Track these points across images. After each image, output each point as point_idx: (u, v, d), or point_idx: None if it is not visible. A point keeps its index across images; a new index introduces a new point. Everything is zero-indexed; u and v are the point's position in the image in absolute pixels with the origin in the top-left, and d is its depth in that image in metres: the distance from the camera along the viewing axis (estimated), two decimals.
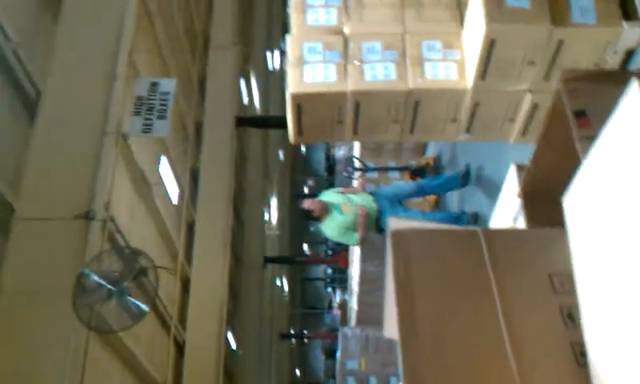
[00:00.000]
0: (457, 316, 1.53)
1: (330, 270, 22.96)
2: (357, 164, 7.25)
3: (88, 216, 5.86)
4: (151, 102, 6.38)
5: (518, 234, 1.85)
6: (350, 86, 2.94)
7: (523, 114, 3.09)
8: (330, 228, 5.72)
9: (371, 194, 5.60)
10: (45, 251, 5.63)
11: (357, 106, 2.97)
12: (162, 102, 6.40)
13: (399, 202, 5.63)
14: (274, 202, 19.40)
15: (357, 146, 7.83)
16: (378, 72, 2.93)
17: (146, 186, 8.69)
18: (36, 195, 5.85)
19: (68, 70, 6.53)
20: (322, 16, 3.09)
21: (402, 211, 5.55)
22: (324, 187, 26.20)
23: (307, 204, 5.68)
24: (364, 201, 5.57)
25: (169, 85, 6.62)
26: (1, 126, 5.73)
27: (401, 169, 7.45)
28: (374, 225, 5.45)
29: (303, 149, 26.55)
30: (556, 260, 1.56)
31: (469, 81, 2.99)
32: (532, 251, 1.62)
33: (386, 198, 5.54)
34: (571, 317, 1.50)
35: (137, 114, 6.42)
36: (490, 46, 2.81)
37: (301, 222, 26.75)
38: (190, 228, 11.65)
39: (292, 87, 2.96)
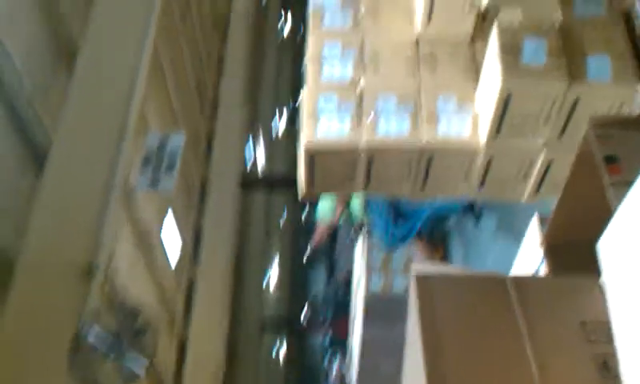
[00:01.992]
0: (487, 364, 1.44)
1: (328, 339, 22.60)
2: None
3: (89, 270, 5.78)
4: (160, 156, 6.40)
5: (548, 282, 1.78)
6: (364, 140, 2.93)
7: (537, 172, 3.07)
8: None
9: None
10: (40, 304, 5.53)
11: (369, 160, 2.96)
12: (171, 157, 6.41)
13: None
14: (275, 263, 19.24)
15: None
16: (391, 126, 2.93)
17: (147, 243, 8.63)
18: (37, 247, 5.80)
19: (78, 123, 6.54)
20: (338, 69, 3.11)
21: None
22: (325, 254, 26.08)
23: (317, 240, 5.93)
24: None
25: (178, 139, 6.65)
26: (9, 177, 5.74)
27: None
28: None
29: (304, 215, 26.51)
30: (588, 308, 1.50)
31: (482, 137, 2.98)
32: (562, 299, 1.55)
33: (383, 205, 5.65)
34: (607, 366, 1.42)
35: (145, 168, 6.43)
36: (505, 101, 2.80)
37: (301, 288, 26.48)
38: (190, 289, 11.50)
39: (305, 139, 2.95)
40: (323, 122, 2.91)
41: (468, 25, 3.06)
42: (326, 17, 3.22)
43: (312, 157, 2.91)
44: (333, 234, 21.30)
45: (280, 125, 20.69)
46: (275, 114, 19.61)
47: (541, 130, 2.86)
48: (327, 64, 3.06)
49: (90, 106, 6.59)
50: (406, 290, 7.51)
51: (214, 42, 13.58)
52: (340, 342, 18.63)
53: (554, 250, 1.87)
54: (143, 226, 8.32)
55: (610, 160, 1.58)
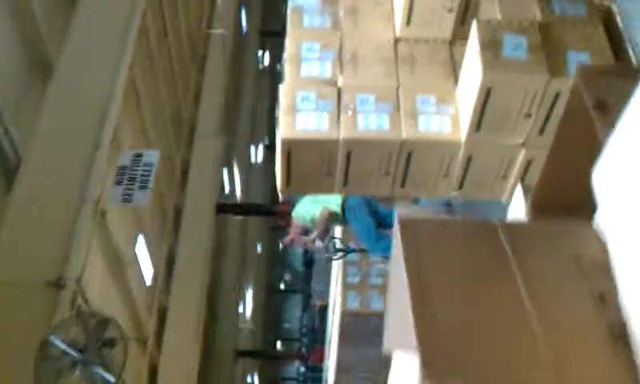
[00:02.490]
0: (478, 304, 1.40)
1: (303, 369, 22.31)
2: (338, 244, 7.19)
3: (58, 284, 5.63)
4: (133, 172, 6.32)
5: (539, 225, 1.73)
6: (343, 134, 2.90)
7: (516, 171, 3.06)
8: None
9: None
10: (9, 317, 5.38)
11: (348, 155, 2.92)
12: (145, 173, 6.34)
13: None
14: (249, 294, 19.02)
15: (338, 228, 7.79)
16: (371, 122, 2.90)
17: (119, 264, 8.48)
18: (6, 260, 5.68)
19: (51, 138, 6.49)
20: (316, 68, 3.10)
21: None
22: (301, 282, 25.94)
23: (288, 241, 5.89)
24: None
25: (152, 156, 6.58)
26: None
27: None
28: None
29: (281, 246, 26.43)
30: (580, 244, 1.47)
31: (462, 134, 2.97)
32: (554, 239, 1.52)
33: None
34: (603, 300, 1.38)
35: (118, 183, 6.35)
36: (485, 96, 2.80)
37: (275, 317, 26.22)
38: (162, 314, 11.29)
39: (283, 132, 2.91)
40: (301, 118, 2.88)
41: (447, 27, 3.08)
42: (304, 17, 3.22)
43: (289, 151, 2.87)
44: (309, 262, 21.25)
45: (257, 154, 20.68)
46: (252, 144, 19.62)
47: (521, 127, 2.85)
48: (305, 63, 3.05)
49: (63, 124, 6.54)
50: (384, 309, 7.41)
51: (192, 73, 13.61)
52: (315, 369, 18.42)
53: (540, 212, 1.83)
54: (115, 246, 8.17)
55: (601, 106, 1.56)
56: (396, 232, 1.46)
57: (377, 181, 3.02)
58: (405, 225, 1.46)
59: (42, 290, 5.53)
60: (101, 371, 4.88)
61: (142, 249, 9.37)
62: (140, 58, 9.30)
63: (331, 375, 8.10)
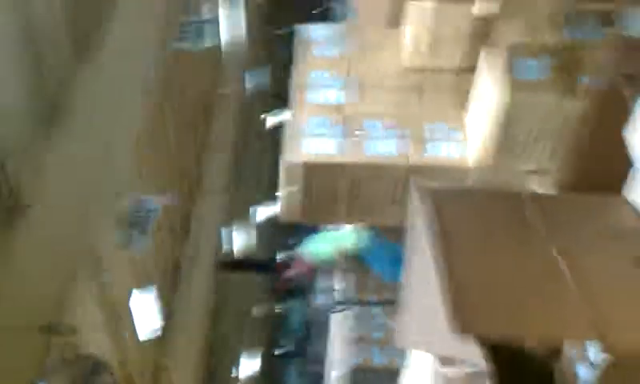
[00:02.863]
0: (507, 264, 1.29)
1: None
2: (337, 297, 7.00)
3: (51, 330, 5.50)
4: (135, 218, 6.27)
5: (567, 196, 1.62)
6: (350, 158, 2.83)
7: None
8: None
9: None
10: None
11: (354, 181, 2.84)
12: (146, 219, 6.28)
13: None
14: (246, 358, 18.55)
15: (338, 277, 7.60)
16: (379, 147, 2.84)
17: (115, 318, 8.28)
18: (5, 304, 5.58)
19: (52, 184, 6.46)
20: (324, 95, 3.05)
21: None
22: (300, 347, 25.31)
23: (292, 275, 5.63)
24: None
25: (155, 203, 6.53)
26: None
27: (385, 302, 7.17)
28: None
29: (280, 308, 25.97)
30: (612, 212, 1.37)
31: (472, 160, 2.90)
32: (585, 205, 1.42)
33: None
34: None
35: (119, 228, 6.29)
36: (498, 119, 2.74)
37: (275, 380, 25.48)
38: (157, 373, 10.97)
39: (289, 157, 2.83)
40: (307, 143, 2.81)
41: (455, 56, 3.05)
42: (313, 48, 3.20)
43: (292, 176, 2.78)
44: (307, 327, 20.75)
45: (259, 213, 20.57)
46: (255, 202, 19.54)
47: (532, 152, 2.79)
48: (313, 90, 3.01)
49: (65, 170, 6.51)
50: (387, 363, 7.13)
51: (199, 134, 13.70)
52: None
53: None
54: (111, 297, 8.00)
55: (630, 78, 1.49)
56: (415, 202, 1.36)
57: (382, 209, 2.93)
58: (424, 193, 1.37)
59: (33, 335, 5.39)
60: None
61: (138, 302, 9.19)
62: (150, 120, 9.35)
63: None
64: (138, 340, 9.48)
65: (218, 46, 13.89)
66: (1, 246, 5.79)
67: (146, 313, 9.53)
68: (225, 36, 14.34)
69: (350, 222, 2.98)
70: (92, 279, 6.36)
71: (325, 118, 2.80)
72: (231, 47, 15.60)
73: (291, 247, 25.69)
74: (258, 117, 20.87)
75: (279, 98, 21.28)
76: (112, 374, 4.81)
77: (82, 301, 6.03)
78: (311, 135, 2.75)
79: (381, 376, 6.69)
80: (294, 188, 2.70)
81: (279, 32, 21.77)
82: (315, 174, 2.71)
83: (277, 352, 25.66)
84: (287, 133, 2.75)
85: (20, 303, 5.59)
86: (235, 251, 16.38)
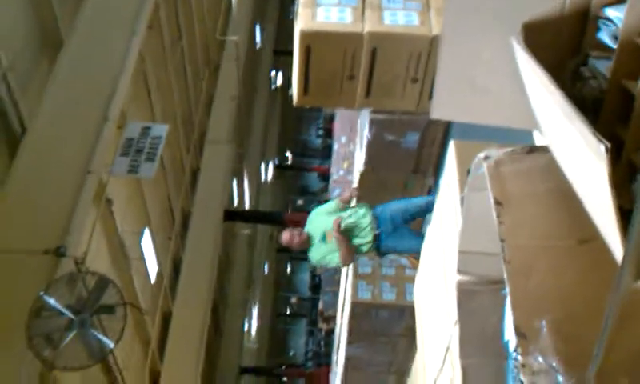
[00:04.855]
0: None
1: None
2: None
3: (58, 252, 5.38)
4: (141, 144, 6.09)
5: None
6: (368, 27, 2.63)
7: None
8: (314, 256, 5.36)
9: (372, 212, 5.08)
10: (8, 284, 5.16)
11: (373, 53, 2.66)
12: (152, 145, 6.09)
13: (406, 221, 5.11)
14: (254, 313, 18.61)
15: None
16: (399, 18, 2.65)
17: (124, 257, 8.21)
18: (7, 229, 5.49)
19: (58, 110, 6.35)
20: None
21: (410, 236, 5.00)
22: (307, 307, 25.37)
23: (286, 239, 5.31)
24: (359, 218, 5.12)
25: (161, 130, 6.36)
26: None
27: None
28: (371, 247, 5.03)
29: (289, 269, 26.07)
30: None
31: None
32: None
33: (390, 219, 5.07)
34: None
35: (124, 154, 6.12)
36: None
37: (280, 342, 25.69)
38: (166, 319, 10.97)
39: (302, 24, 2.64)
40: (321, 11, 2.63)
41: None
42: None
43: (308, 47, 2.60)
44: (316, 286, 20.80)
45: (267, 172, 20.52)
46: (262, 161, 19.46)
47: None
48: None
49: (70, 97, 6.41)
50: (396, 299, 6.92)
51: (204, 78, 13.54)
52: None
53: None
54: (120, 237, 7.93)
55: None
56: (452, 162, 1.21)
57: (403, 89, 2.75)
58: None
59: (41, 257, 5.30)
60: (98, 334, 4.57)
61: (147, 244, 9.11)
62: (152, 54, 9.21)
63: (340, 376, 7.71)
64: (148, 283, 9.46)
65: None
66: (5, 171, 5.69)
67: (154, 256, 9.47)
68: None
69: (367, 105, 2.80)
70: (96, 206, 6.24)
71: None
72: None
73: (299, 206, 25.49)
74: (266, 71, 20.67)
75: (287, 54, 21.03)
76: (118, 290, 4.69)
77: (91, 229, 5.93)
78: (326, 4, 2.55)
79: (388, 314, 6.59)
80: (309, 64, 2.52)
81: None
82: (331, 44, 2.52)
83: (286, 311, 25.85)
84: (300, 2, 2.58)
85: (27, 227, 5.51)
86: (244, 203, 16.32)
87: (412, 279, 6.36)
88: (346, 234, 4.94)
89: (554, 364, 1.05)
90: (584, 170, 1.03)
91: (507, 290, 1.11)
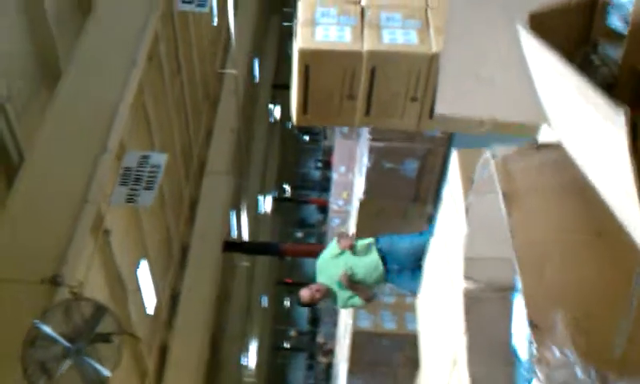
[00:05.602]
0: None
1: None
2: None
3: (55, 281, 5.32)
4: (140, 173, 6.07)
5: None
6: (367, 46, 2.63)
7: None
8: (339, 305, 5.39)
9: (379, 251, 5.03)
10: (3, 313, 5.09)
11: (372, 72, 2.65)
12: (151, 174, 6.07)
13: (413, 263, 4.98)
14: (253, 346, 18.39)
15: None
16: (397, 37, 2.65)
17: (121, 288, 8.13)
18: (3, 258, 5.44)
19: (56, 139, 6.36)
20: None
21: (414, 276, 4.89)
22: (305, 342, 25.09)
23: (307, 297, 5.21)
24: (368, 270, 5.07)
25: (160, 158, 6.35)
26: None
27: None
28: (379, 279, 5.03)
29: (287, 302, 25.87)
30: None
31: None
32: None
33: (397, 260, 5.03)
34: None
35: (123, 184, 6.10)
36: None
37: (279, 377, 25.34)
38: (163, 351, 10.82)
39: (301, 43, 2.64)
40: (320, 30, 2.62)
41: None
42: None
43: (307, 66, 2.59)
44: (315, 320, 20.62)
45: (266, 204, 20.49)
46: (261, 192, 19.44)
47: None
48: None
49: (69, 127, 6.42)
50: (397, 328, 6.82)
51: (204, 111, 13.61)
52: None
53: None
54: (118, 267, 7.86)
55: None
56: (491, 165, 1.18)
57: (403, 108, 2.73)
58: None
59: (37, 286, 5.24)
60: (94, 363, 4.48)
61: (145, 275, 9.02)
62: (152, 86, 9.27)
63: None
64: (145, 315, 9.35)
65: (228, 28, 13.78)
66: (2, 200, 5.67)
67: (152, 287, 9.38)
68: (235, 21, 14.27)
69: (366, 124, 2.79)
70: (94, 236, 6.19)
71: (340, 8, 2.61)
72: (240, 33, 15.53)
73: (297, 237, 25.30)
74: (264, 105, 20.80)
75: (285, 88, 21.20)
76: (115, 319, 4.62)
77: (84, 257, 5.87)
78: (324, 24, 2.55)
79: (389, 343, 6.50)
80: (308, 83, 2.51)
81: (287, 24, 21.71)
82: (330, 63, 2.52)
83: (284, 345, 25.58)
84: (299, 21, 2.57)
85: (23, 256, 5.47)
86: (243, 235, 16.25)
87: (412, 308, 6.30)
88: (357, 281, 4.97)
89: (572, 356, 1.01)
90: (600, 151, 1.00)
91: (519, 284, 1.07)
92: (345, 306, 5.32)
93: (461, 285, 1.68)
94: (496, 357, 1.54)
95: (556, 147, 1.29)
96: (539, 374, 1.04)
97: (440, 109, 1.46)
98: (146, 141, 9.24)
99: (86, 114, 6.56)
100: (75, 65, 6.74)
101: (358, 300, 5.05)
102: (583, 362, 1.01)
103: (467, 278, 1.66)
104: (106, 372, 4.52)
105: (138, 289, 8.88)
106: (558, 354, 1.02)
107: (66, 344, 4.47)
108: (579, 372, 1.02)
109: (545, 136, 1.37)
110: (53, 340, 4.49)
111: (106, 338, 4.67)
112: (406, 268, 5.14)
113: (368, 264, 5.05)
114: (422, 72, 2.64)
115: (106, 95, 6.85)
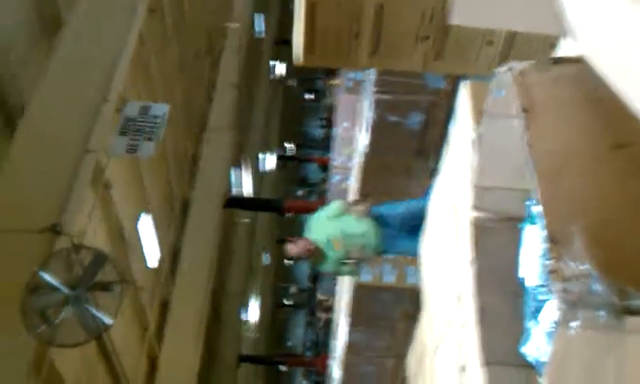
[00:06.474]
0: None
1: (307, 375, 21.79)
2: None
3: (55, 230, 5.28)
4: (140, 123, 5.98)
5: None
6: None
7: None
8: (324, 266, 5.28)
9: (376, 218, 4.98)
10: (3, 263, 5.08)
11: (381, 8, 2.55)
12: (152, 125, 5.98)
13: (410, 224, 4.91)
14: (254, 303, 18.55)
15: None
16: None
17: (122, 241, 8.14)
18: (4, 207, 5.41)
19: (57, 89, 6.28)
20: None
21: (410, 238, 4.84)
22: (306, 298, 25.30)
23: (294, 250, 5.10)
24: (363, 232, 5.01)
25: (161, 109, 6.25)
26: None
27: None
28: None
29: (290, 261, 25.99)
30: None
31: None
32: None
33: (395, 225, 4.98)
34: None
35: (123, 134, 6.01)
36: None
37: (279, 332, 25.65)
38: (164, 306, 10.90)
39: None
40: None
41: None
42: None
43: (314, 3, 2.51)
44: (315, 277, 20.77)
45: (268, 162, 20.42)
46: (263, 150, 19.37)
47: None
48: None
49: (70, 76, 6.33)
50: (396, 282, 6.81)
51: (205, 65, 13.44)
52: (318, 378, 17.89)
53: None
54: (119, 220, 7.85)
55: None
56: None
57: (411, 48, 2.64)
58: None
59: (37, 236, 5.21)
60: (94, 311, 4.48)
61: (146, 229, 9.01)
62: (154, 39, 9.13)
63: (339, 361, 7.63)
64: (146, 269, 9.38)
65: None
66: (2, 150, 5.62)
67: (153, 241, 9.38)
68: None
69: (372, 65, 2.71)
70: (94, 187, 6.14)
71: None
72: None
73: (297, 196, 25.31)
74: (267, 62, 20.58)
75: (288, 44, 20.86)
76: (115, 267, 4.60)
77: (85, 208, 5.84)
78: None
79: (390, 296, 6.51)
80: (315, 19, 2.42)
81: None
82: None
83: (285, 302, 25.84)
84: None
85: (24, 205, 5.43)
86: (245, 192, 16.25)
87: (412, 262, 6.31)
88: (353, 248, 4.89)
89: (588, 269, 0.97)
90: (633, 55, 0.94)
91: (536, 195, 1.03)
92: (333, 271, 5.21)
93: (469, 215, 1.63)
94: (504, 288, 1.51)
95: (574, 61, 1.24)
96: (554, 287, 1.00)
97: (455, 19, 1.40)
98: (147, 94, 9.14)
99: (86, 64, 6.47)
100: (76, 14, 6.62)
101: (349, 268, 5.02)
102: (601, 275, 0.97)
103: (476, 207, 1.61)
104: (106, 320, 4.52)
105: (140, 243, 8.89)
106: (574, 265, 0.98)
107: (66, 291, 4.46)
108: (596, 285, 0.98)
109: (563, 52, 1.32)
110: (53, 287, 4.49)
111: (106, 287, 4.66)
112: (394, 230, 5.08)
113: (365, 231, 4.97)
114: (436, 9, 2.55)
115: (107, 45, 6.74)
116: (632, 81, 0.98)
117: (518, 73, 1.24)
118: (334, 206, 5.14)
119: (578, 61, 1.24)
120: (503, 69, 1.27)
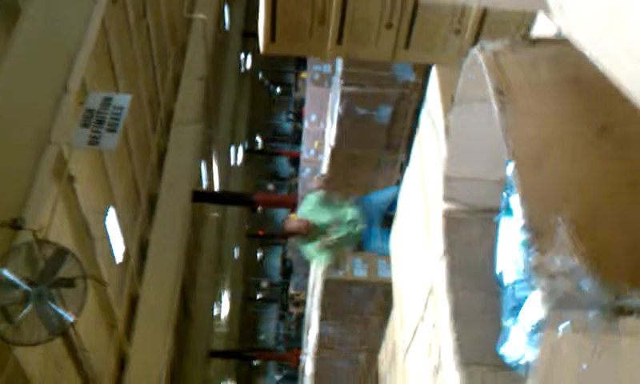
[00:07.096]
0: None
1: (278, 377, 21.72)
2: None
3: (15, 225, 5.10)
4: (102, 115, 5.83)
5: None
6: None
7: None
8: (309, 251, 5.33)
9: (358, 203, 5.03)
10: None
11: None
12: (114, 116, 5.83)
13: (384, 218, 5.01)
14: (225, 297, 18.40)
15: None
16: None
17: (88, 236, 7.95)
18: None
19: (15, 80, 6.07)
20: None
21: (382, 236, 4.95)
22: (277, 292, 25.26)
23: (293, 224, 5.19)
24: (350, 236, 5.06)
25: (123, 100, 6.11)
26: None
27: None
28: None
29: (260, 253, 25.88)
30: None
31: None
32: None
33: (376, 213, 5.03)
34: None
35: (85, 125, 5.84)
36: None
37: (251, 327, 25.55)
38: (133, 302, 10.72)
39: None
40: None
41: None
42: None
43: None
44: (287, 271, 20.73)
45: (237, 156, 20.24)
46: (232, 143, 19.17)
47: None
48: None
49: (29, 67, 6.13)
50: (367, 276, 6.78)
51: (171, 57, 13.21)
52: (291, 378, 17.86)
53: None
54: (83, 215, 7.66)
55: None
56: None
57: (377, 35, 2.59)
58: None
59: None
60: (56, 308, 4.34)
61: (113, 224, 8.82)
62: (117, 29, 8.91)
63: (312, 355, 7.57)
64: (113, 264, 9.19)
65: None
66: None
67: (119, 235, 9.21)
68: None
69: (338, 53, 2.65)
70: (57, 180, 5.97)
71: None
72: None
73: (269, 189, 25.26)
74: (235, 54, 20.34)
75: (256, 36, 20.66)
76: (78, 262, 4.47)
77: (47, 201, 5.67)
78: None
79: (361, 290, 6.49)
80: (276, 6, 2.33)
81: None
82: None
83: (257, 296, 25.75)
84: None
85: None
86: (213, 186, 16.08)
87: (383, 256, 6.32)
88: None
89: (576, 264, 0.90)
90: (621, 30, 0.88)
91: (515, 184, 0.97)
92: (320, 252, 5.25)
93: (440, 206, 1.58)
94: (477, 283, 1.45)
95: (553, 41, 1.19)
96: (538, 285, 0.93)
97: None
98: (110, 86, 8.94)
99: (46, 53, 6.28)
100: (34, 2, 6.42)
101: (322, 260, 5.06)
102: (590, 271, 0.91)
103: (447, 198, 1.55)
104: (68, 317, 4.39)
105: (106, 237, 8.71)
106: (559, 261, 0.92)
107: (27, 287, 4.32)
108: (585, 282, 0.91)
109: (538, 31, 1.27)
110: (13, 284, 4.34)
111: (69, 283, 4.52)
112: (374, 225, 5.14)
113: (351, 220, 5.05)
114: None
115: (67, 34, 6.55)
116: (618, 57, 0.94)
117: (491, 53, 1.18)
118: (314, 196, 5.30)
119: (556, 41, 1.19)
120: (474, 51, 1.21)
